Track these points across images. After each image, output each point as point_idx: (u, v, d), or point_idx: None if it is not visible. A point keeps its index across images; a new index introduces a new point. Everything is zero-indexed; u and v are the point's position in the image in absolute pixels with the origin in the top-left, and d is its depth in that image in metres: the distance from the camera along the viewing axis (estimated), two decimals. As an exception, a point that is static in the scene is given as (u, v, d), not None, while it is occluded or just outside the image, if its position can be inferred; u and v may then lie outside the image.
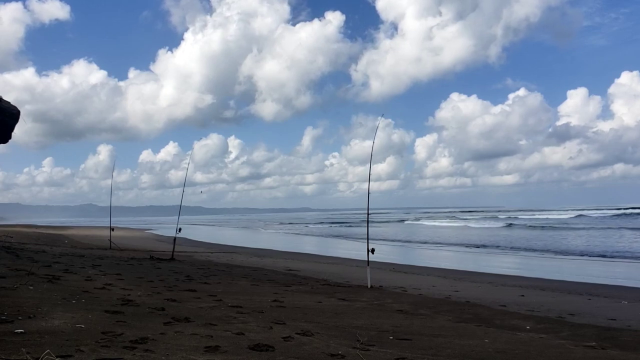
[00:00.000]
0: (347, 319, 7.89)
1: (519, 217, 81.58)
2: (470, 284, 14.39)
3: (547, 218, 72.70)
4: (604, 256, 24.45)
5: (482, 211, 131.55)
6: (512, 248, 30.11)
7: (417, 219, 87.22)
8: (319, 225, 76.58)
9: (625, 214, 73.52)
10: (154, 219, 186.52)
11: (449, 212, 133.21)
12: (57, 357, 4.04)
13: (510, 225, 56.73)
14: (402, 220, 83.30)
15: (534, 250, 28.34)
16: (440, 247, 32.60)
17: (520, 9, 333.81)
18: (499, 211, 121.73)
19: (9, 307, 6.15)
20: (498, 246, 31.56)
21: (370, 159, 13.89)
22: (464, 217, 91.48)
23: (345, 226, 68.99)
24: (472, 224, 63.39)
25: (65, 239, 31.87)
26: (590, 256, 24.81)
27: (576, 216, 75.08)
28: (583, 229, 46.39)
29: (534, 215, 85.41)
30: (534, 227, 51.62)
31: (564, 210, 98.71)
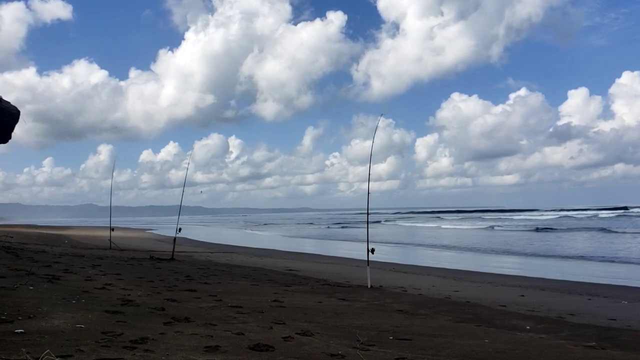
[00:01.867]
0: (347, 319, 7.89)
1: (503, 217, 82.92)
2: (470, 284, 14.39)
3: (530, 219, 73.94)
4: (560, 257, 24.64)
5: (470, 212, 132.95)
6: (467, 249, 30.29)
7: (392, 220, 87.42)
8: (298, 227, 73.69)
9: (598, 216, 73.76)
10: (154, 219, 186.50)
11: (435, 212, 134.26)
12: (57, 357, 4.04)
13: (491, 227, 56.28)
14: (378, 222, 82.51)
15: (492, 252, 28.52)
16: (396, 247, 33.25)
17: (523, 9, 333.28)
18: (486, 212, 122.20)
19: (9, 307, 6.15)
20: (453, 247, 31.83)
21: (370, 159, 13.90)
22: (447, 217, 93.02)
23: (338, 228, 67.84)
24: (447, 225, 63.92)
25: (65, 239, 31.87)
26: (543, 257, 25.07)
27: (560, 217, 76.13)
28: (561, 230, 45.97)
29: (515, 216, 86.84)
30: (509, 229, 51.87)
31: (548, 211, 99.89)
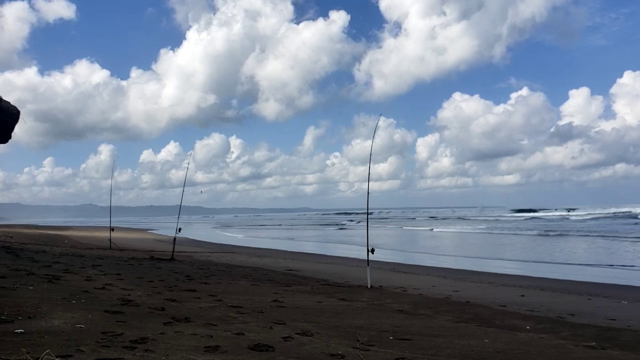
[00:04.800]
0: (347, 319, 7.89)
1: (479, 218, 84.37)
2: (470, 284, 14.39)
3: (497, 219, 75.46)
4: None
5: (451, 210, 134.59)
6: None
7: (359, 222, 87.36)
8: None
9: (569, 218, 73.51)
10: (154, 219, 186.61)
11: (414, 212, 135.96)
12: (57, 357, 4.04)
13: (431, 229, 55.84)
14: (343, 224, 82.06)
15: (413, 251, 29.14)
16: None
17: (526, 8, 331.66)
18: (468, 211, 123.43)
19: (9, 307, 6.15)
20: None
21: (370, 159, 13.87)
22: (419, 218, 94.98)
23: (319, 228, 67.29)
24: (409, 227, 63.84)
25: (65, 239, 31.88)
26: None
27: (528, 218, 76.66)
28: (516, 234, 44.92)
29: (480, 217, 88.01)
30: (449, 230, 52.24)
31: (524, 212, 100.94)
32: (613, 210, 79.96)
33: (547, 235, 40.41)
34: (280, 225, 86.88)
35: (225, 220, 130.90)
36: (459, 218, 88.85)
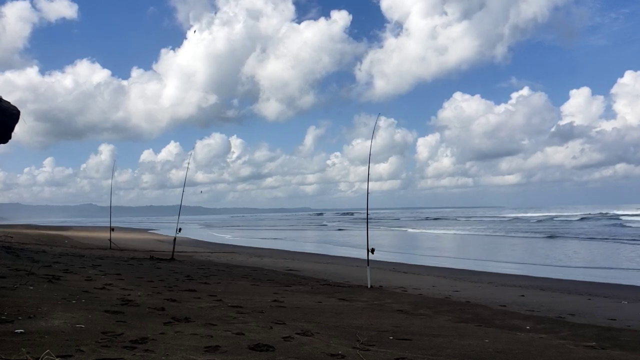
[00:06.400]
0: (347, 319, 7.89)
1: (460, 219, 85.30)
2: (470, 284, 14.39)
3: (481, 220, 76.55)
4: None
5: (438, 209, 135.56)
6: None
7: (345, 220, 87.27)
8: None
9: (545, 218, 73.22)
10: (154, 219, 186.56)
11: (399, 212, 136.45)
12: (57, 357, 4.04)
13: (406, 230, 56.10)
14: (324, 225, 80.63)
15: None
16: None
17: (528, 8, 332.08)
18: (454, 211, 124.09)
19: (9, 307, 6.15)
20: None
21: (369, 158, 13.89)
22: (405, 219, 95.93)
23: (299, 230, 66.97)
24: (383, 230, 62.91)
25: (66, 239, 31.87)
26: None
27: (512, 219, 77.03)
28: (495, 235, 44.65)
29: (462, 218, 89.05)
30: (421, 230, 52.89)
31: (503, 214, 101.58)
32: (598, 211, 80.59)
33: (509, 236, 40.98)
34: (259, 226, 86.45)
35: (210, 221, 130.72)
36: (446, 219, 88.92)
